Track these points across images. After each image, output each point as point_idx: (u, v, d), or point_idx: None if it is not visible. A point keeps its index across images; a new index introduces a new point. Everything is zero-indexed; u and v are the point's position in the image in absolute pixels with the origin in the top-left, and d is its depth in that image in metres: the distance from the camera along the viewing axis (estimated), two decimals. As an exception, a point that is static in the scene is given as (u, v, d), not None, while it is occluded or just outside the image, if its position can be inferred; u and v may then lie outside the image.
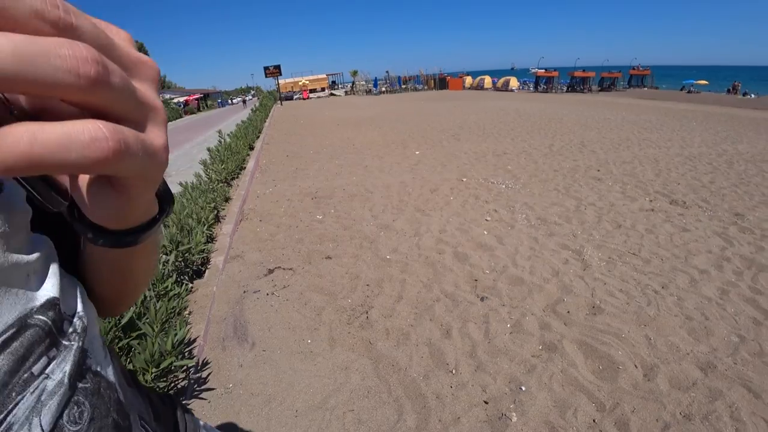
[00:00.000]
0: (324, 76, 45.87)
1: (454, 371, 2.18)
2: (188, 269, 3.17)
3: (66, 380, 0.29)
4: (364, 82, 48.63)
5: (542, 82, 35.36)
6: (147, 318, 2.10)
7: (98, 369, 0.34)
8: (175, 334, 2.05)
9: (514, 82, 37.50)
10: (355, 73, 52.86)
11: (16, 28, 0.16)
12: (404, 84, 47.04)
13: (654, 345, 2.34)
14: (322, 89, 42.78)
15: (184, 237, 3.24)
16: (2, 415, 0.25)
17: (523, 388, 2.05)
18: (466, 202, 4.79)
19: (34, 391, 0.27)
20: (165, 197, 0.32)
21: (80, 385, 0.31)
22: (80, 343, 0.31)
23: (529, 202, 4.70)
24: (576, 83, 33.63)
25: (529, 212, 4.40)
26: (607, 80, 35.17)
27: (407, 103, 22.99)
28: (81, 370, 0.31)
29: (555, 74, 34.87)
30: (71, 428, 0.29)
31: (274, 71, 34.44)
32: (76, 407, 0.30)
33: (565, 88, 34.23)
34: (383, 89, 44.92)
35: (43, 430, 0.27)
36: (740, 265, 3.26)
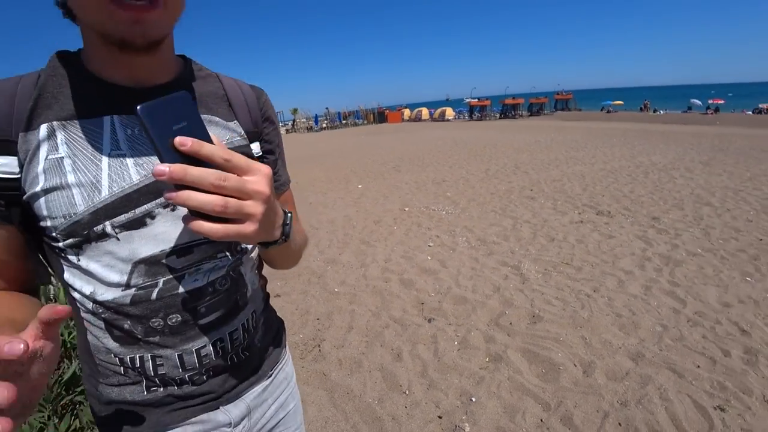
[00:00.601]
0: (263, 115, 45.81)
1: (407, 392, 2.21)
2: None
3: (227, 266, 0.65)
4: (305, 120, 49.08)
5: (476, 111, 37.41)
6: None
7: (244, 274, 0.69)
8: None
9: (450, 113, 39.39)
10: (295, 111, 53.23)
11: (249, 198, 0.44)
12: (345, 119, 47.93)
13: (589, 344, 2.49)
14: (262, 129, 42.73)
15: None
16: (195, 266, 0.61)
17: (474, 399, 2.12)
18: (409, 231, 4.89)
19: (214, 262, 0.63)
20: (285, 227, 0.56)
21: (231, 273, 0.66)
22: (239, 251, 0.68)
23: (468, 225, 4.89)
24: (507, 110, 35.88)
25: (469, 235, 4.56)
26: (535, 106, 37.84)
27: (348, 138, 23.40)
28: (237, 267, 0.68)
29: (487, 103, 37.08)
30: (219, 288, 0.64)
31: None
32: (224, 280, 0.65)
33: (498, 115, 36.39)
34: (324, 125, 45.51)
35: (208, 278, 0.62)
36: (659, 263, 3.56)
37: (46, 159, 0.52)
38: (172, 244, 0.59)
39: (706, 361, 2.28)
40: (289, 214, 0.58)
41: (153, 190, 0.57)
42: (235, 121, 0.67)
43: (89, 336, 0.61)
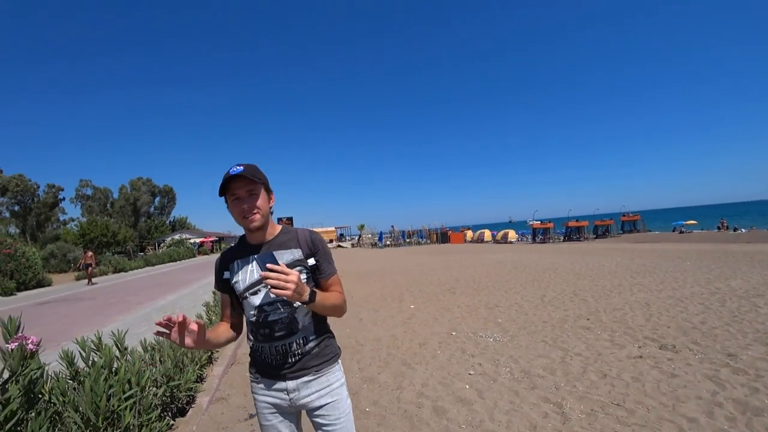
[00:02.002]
0: (333, 228, 48.85)
1: None
2: (173, 405, 3.25)
3: (282, 303, 1.46)
4: (370, 236, 51.22)
5: (539, 233, 37.05)
6: None
7: (294, 312, 1.47)
8: None
9: (512, 235, 39.33)
10: (362, 226, 56.18)
11: (288, 283, 1.24)
12: (408, 238, 49.36)
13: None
14: (330, 241, 45.10)
15: (176, 373, 3.36)
16: (274, 309, 1.47)
17: None
18: (452, 356, 4.80)
19: (281, 308, 1.47)
20: (310, 295, 1.34)
21: (288, 315, 1.46)
22: (293, 307, 1.47)
23: (514, 355, 4.70)
24: (571, 232, 35.18)
25: (513, 365, 4.38)
26: (600, 228, 36.83)
27: (409, 257, 23.91)
28: (291, 308, 1.46)
29: (550, 225, 36.78)
30: (282, 321, 1.46)
31: (287, 222, 36.97)
32: (277, 311, 1.46)
33: (561, 238, 35.67)
34: (388, 242, 46.98)
35: (279, 316, 1.47)
36: (733, 411, 3.14)
37: (233, 272, 1.53)
38: (265, 300, 1.47)
39: None
40: (314, 291, 1.37)
41: (259, 281, 1.45)
42: (299, 249, 1.52)
43: (248, 335, 1.56)
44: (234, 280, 1.51)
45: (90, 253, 18.01)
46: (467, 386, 3.87)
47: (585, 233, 35.35)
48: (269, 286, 1.24)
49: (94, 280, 18.05)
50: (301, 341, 1.47)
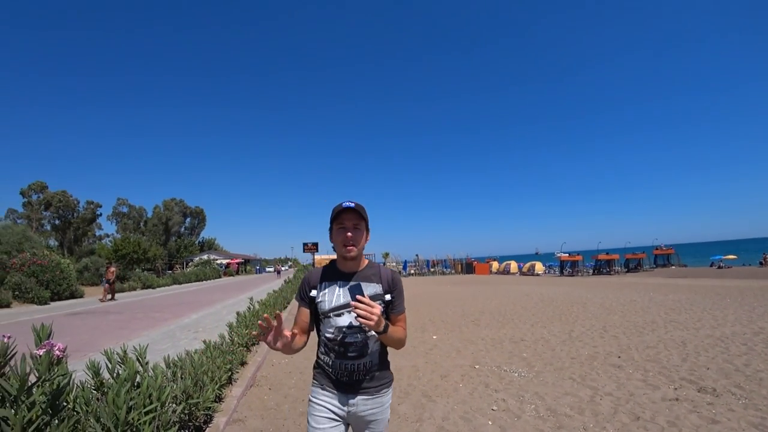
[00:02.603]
0: (356, 255, 48.86)
1: None
2: (191, 423, 3.23)
3: (359, 330, 1.65)
4: (394, 264, 51.00)
5: (567, 266, 36.06)
6: None
7: (367, 339, 1.66)
8: None
9: (539, 267, 38.44)
10: (386, 255, 56.05)
11: (372, 315, 1.42)
12: (433, 267, 48.89)
13: None
14: (354, 269, 45.22)
15: (195, 391, 3.34)
16: (351, 333, 1.66)
17: None
18: (474, 390, 4.63)
19: (358, 333, 1.66)
20: (384, 327, 1.52)
21: (360, 335, 1.65)
22: (367, 334, 1.66)
23: (540, 392, 4.49)
24: (601, 266, 34.12)
25: (538, 402, 4.18)
26: (632, 261, 35.60)
27: (433, 287, 23.61)
28: (366, 335, 1.66)
29: (579, 258, 35.79)
30: (357, 344, 1.65)
31: (311, 247, 37.42)
32: (355, 335, 1.65)
33: (591, 271, 34.59)
34: (412, 271, 46.61)
35: (355, 339, 1.65)
36: (782, 466, 2.89)
37: (319, 292, 1.72)
38: (347, 323, 1.64)
39: None
40: (388, 324, 1.57)
41: (346, 306, 1.63)
42: (380, 285, 1.73)
43: (319, 350, 1.78)
44: (319, 299, 1.71)
45: (112, 269, 17.80)
46: (490, 422, 3.70)
47: (615, 267, 34.23)
48: (356, 314, 1.44)
49: (113, 295, 17.97)
50: (368, 364, 1.69)
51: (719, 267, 32.40)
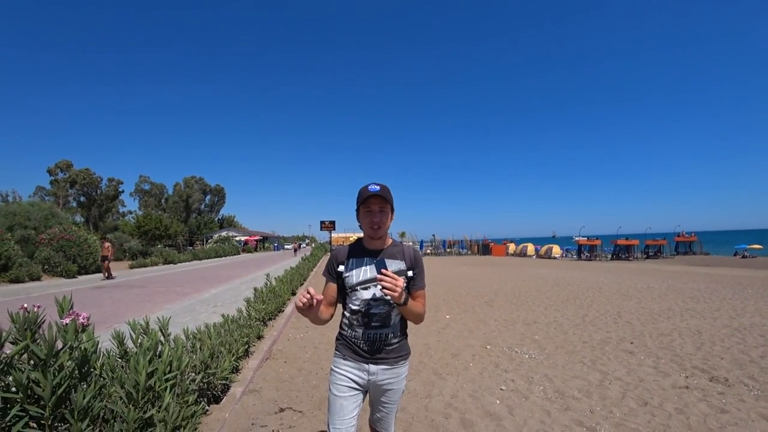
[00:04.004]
0: (374, 234, 49.53)
1: None
2: (209, 392, 3.41)
3: (383, 302, 1.82)
4: (410, 243, 51.12)
5: (585, 250, 35.58)
6: (164, 417, 2.22)
7: (391, 311, 1.83)
8: None
9: (557, 250, 38.01)
10: (403, 234, 56.26)
11: (397, 286, 1.55)
12: (449, 248, 48.87)
13: None
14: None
15: (213, 362, 3.51)
16: (376, 304, 1.83)
17: None
18: (484, 370, 4.70)
19: (383, 305, 1.83)
20: (405, 299, 1.66)
21: (383, 307, 1.82)
22: (391, 306, 1.82)
23: (549, 374, 4.54)
24: (620, 251, 33.57)
25: (547, 384, 4.23)
26: (652, 248, 34.92)
27: (449, 267, 23.66)
28: (389, 307, 1.83)
29: (597, 242, 35.25)
30: (380, 315, 1.82)
31: (329, 225, 37.82)
32: (378, 307, 1.82)
33: (609, 256, 34.10)
34: (428, 251, 46.71)
35: (379, 310, 1.82)
36: (789, 456, 2.89)
37: (347, 267, 1.87)
38: (372, 296, 1.81)
39: None
40: (408, 296, 1.70)
41: (372, 280, 1.79)
42: (403, 261, 1.87)
43: (343, 322, 1.92)
44: (347, 274, 1.86)
45: (107, 244, 16.24)
46: (498, 401, 3.78)
47: (634, 252, 33.61)
48: (381, 287, 1.57)
49: (109, 273, 16.35)
50: (390, 335, 1.84)
51: (743, 256, 31.50)
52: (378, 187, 1.79)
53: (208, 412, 3.25)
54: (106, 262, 16.02)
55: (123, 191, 57.04)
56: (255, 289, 7.38)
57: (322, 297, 1.68)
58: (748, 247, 33.59)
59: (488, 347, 5.72)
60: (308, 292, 1.57)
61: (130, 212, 59.88)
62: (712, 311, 8.45)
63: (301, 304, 1.58)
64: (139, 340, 2.65)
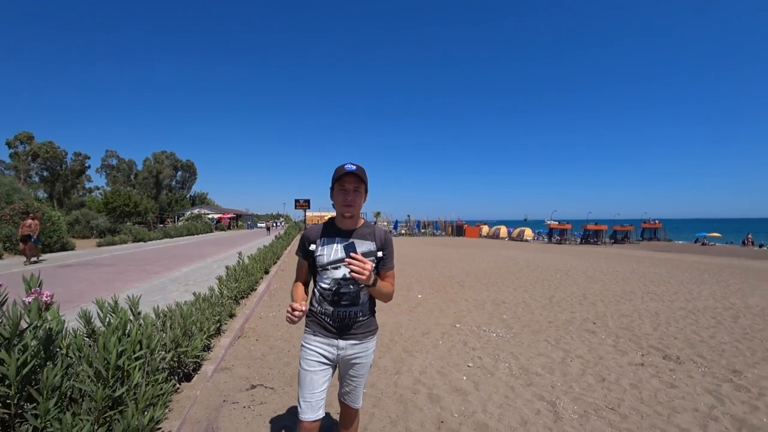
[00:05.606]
0: (349, 214, 49.75)
1: None
2: (180, 370, 3.42)
3: (352, 282, 1.86)
4: (386, 223, 51.40)
5: (556, 234, 36.60)
6: (134, 395, 2.24)
7: (360, 290, 1.91)
8: (152, 417, 2.18)
9: (529, 233, 38.93)
10: (378, 214, 56.42)
11: (364, 269, 1.65)
12: (423, 228, 49.37)
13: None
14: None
15: (184, 341, 3.51)
16: (346, 284, 1.88)
17: None
18: (453, 348, 4.86)
19: (351, 285, 1.89)
20: (374, 281, 1.75)
21: (353, 287, 1.88)
22: (360, 287, 1.89)
23: (515, 352, 4.73)
24: (589, 235, 34.66)
25: (512, 361, 4.42)
26: (620, 233, 36.17)
27: (423, 248, 23.93)
28: (358, 287, 1.89)
29: (568, 227, 36.28)
30: (349, 294, 1.89)
31: (303, 204, 37.47)
32: (348, 286, 1.88)
33: (578, 240, 35.18)
34: (403, 231, 47.06)
35: (348, 290, 1.89)
36: (729, 426, 3.13)
37: (318, 247, 1.91)
38: (342, 275, 1.86)
39: None
40: (377, 279, 1.79)
41: (342, 260, 1.81)
42: (374, 242, 1.93)
43: (313, 299, 1.98)
44: (318, 253, 1.90)
45: (29, 221, 12.80)
46: (464, 377, 3.93)
47: (603, 237, 34.78)
48: (350, 269, 1.65)
49: (29, 257, 12.69)
50: (359, 313, 1.92)
51: (703, 244, 33.17)
52: (354, 167, 1.82)
53: (179, 390, 3.27)
54: (28, 242, 12.50)
55: (89, 166, 54.92)
56: (227, 267, 7.33)
57: (306, 306, 1.84)
58: (707, 235, 35.36)
59: (458, 326, 5.89)
60: (294, 308, 1.75)
61: (98, 188, 57.88)
62: (671, 294, 8.91)
63: (296, 320, 1.75)
64: (108, 319, 2.63)
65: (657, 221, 38.54)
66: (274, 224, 63.32)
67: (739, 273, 13.46)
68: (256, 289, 7.89)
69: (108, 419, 2.09)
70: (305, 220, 40.77)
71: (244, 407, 3.23)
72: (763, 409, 3.40)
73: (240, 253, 9.25)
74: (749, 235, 32.91)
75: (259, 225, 71.14)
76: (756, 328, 6.04)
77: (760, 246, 29.83)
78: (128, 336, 2.47)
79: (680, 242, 36.18)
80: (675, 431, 3.02)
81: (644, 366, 4.37)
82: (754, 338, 5.52)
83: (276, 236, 20.93)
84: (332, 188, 1.89)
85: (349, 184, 1.83)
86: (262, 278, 9.10)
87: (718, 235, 36.08)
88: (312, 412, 1.85)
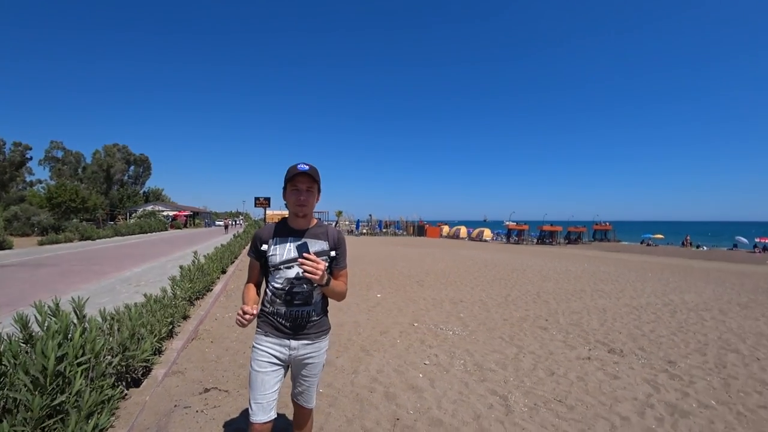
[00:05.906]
0: (309, 212, 49.17)
1: None
2: (128, 375, 3.28)
3: (305, 281, 1.84)
4: (347, 223, 51.22)
5: (514, 234, 37.79)
6: (76, 402, 2.13)
7: (313, 290, 1.89)
8: (96, 425, 2.07)
9: (488, 233, 39.95)
10: (339, 213, 56.15)
11: (317, 269, 1.68)
12: (385, 228, 49.58)
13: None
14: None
15: (132, 344, 3.36)
16: (299, 283, 1.87)
17: None
18: (410, 346, 4.94)
19: (304, 284, 1.88)
20: (327, 280, 1.78)
21: (306, 286, 1.87)
22: (313, 286, 1.87)
23: (470, 349, 4.87)
24: (545, 236, 36.02)
25: (467, 358, 4.54)
26: (573, 234, 37.82)
27: (384, 247, 24.06)
28: (311, 287, 1.87)
29: (525, 227, 37.55)
30: (302, 294, 1.87)
31: (263, 202, 36.57)
32: (301, 286, 1.86)
33: (535, 241, 36.49)
34: (364, 231, 47.08)
35: (302, 289, 1.87)
36: (663, 412, 3.37)
37: (270, 246, 1.90)
38: (295, 275, 1.84)
39: None
40: (330, 278, 1.82)
41: (295, 260, 1.80)
42: (326, 242, 1.94)
43: (265, 299, 1.96)
44: (270, 253, 1.89)
45: None
46: (420, 375, 4.01)
47: (558, 238, 36.25)
48: (303, 269, 1.67)
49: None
50: (312, 312, 1.92)
51: (648, 244, 35.30)
52: (307, 167, 1.82)
53: (127, 397, 3.14)
54: None
55: (31, 158, 51.29)
56: (181, 267, 7.08)
57: (257, 309, 1.82)
58: (652, 236, 37.68)
59: (416, 325, 5.98)
60: (244, 311, 1.73)
61: (40, 182, 54.09)
62: (617, 292, 9.43)
63: (246, 323, 1.73)
64: (47, 323, 2.48)
65: (607, 223, 40.62)
66: (233, 222, 61.61)
67: (678, 271, 14.44)
68: (212, 290, 7.67)
69: (47, 428, 1.98)
70: (265, 218, 39.92)
71: (197, 411, 3.14)
72: (692, 396, 3.70)
73: (195, 252, 8.96)
74: (687, 237, 35.39)
75: (217, 223, 68.95)
76: (690, 322, 6.51)
77: (697, 246, 32.16)
78: (70, 340, 2.35)
79: (628, 243, 38.28)
80: (616, 419, 3.22)
81: (590, 360, 4.62)
82: (688, 331, 5.96)
83: (234, 235, 20.36)
84: (285, 188, 1.89)
85: (301, 184, 1.84)
86: (218, 278, 8.86)
87: (661, 236, 38.53)
88: (263, 413, 1.83)
